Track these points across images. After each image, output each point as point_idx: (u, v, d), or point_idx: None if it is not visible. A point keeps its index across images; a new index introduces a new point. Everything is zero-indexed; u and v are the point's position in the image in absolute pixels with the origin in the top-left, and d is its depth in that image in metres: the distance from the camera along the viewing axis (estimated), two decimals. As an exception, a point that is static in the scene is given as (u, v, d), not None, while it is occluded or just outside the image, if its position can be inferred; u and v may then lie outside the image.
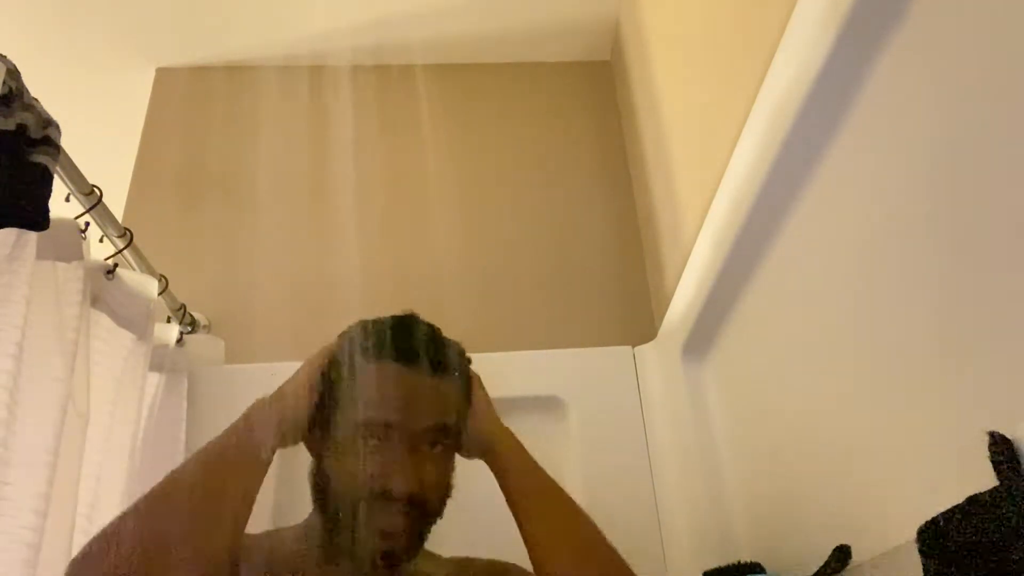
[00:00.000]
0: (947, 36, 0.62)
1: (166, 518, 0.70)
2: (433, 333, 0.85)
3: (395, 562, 0.77)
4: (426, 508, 0.78)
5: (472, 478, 0.84)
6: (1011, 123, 0.54)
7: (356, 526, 0.76)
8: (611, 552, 0.79)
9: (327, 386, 0.82)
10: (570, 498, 0.82)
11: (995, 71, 0.56)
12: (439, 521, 0.81)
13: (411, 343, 0.81)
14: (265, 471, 0.77)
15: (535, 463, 0.84)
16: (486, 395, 0.89)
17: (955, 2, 0.61)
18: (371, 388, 0.79)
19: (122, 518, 0.70)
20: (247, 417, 0.79)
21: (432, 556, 0.86)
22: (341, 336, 0.86)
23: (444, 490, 0.81)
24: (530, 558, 0.79)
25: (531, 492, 0.82)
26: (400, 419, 0.77)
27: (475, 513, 0.89)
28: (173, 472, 0.75)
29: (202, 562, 0.68)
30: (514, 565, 0.87)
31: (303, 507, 0.85)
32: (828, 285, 0.82)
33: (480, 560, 0.90)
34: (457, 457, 0.85)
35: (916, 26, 0.65)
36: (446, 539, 0.84)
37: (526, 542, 0.79)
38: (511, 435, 0.86)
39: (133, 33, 1.72)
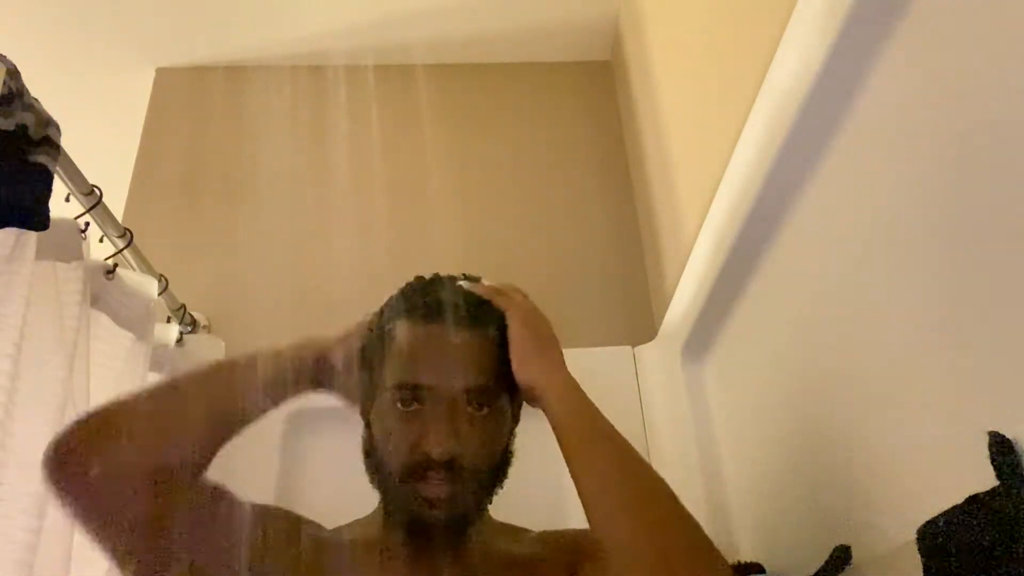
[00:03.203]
0: (947, 36, 0.61)
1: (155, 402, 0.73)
2: (464, 291, 0.80)
3: (446, 530, 0.74)
4: (470, 473, 0.73)
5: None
6: (1012, 122, 0.54)
7: (402, 495, 0.74)
8: (674, 507, 0.69)
9: (366, 351, 0.80)
10: (628, 448, 0.73)
11: (995, 70, 0.56)
12: (503, 491, 0.78)
13: (439, 301, 0.77)
14: (260, 401, 0.78)
15: (587, 411, 0.76)
16: (531, 336, 0.79)
17: (955, 2, 0.61)
18: (402, 349, 0.76)
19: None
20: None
21: (514, 531, 0.83)
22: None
23: (494, 455, 0.76)
24: (586, 516, 0.70)
25: (579, 443, 0.73)
26: (434, 381, 0.73)
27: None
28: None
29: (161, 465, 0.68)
30: None
31: (303, 507, 0.85)
32: (828, 285, 0.82)
33: (571, 531, 0.82)
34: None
35: (916, 26, 0.65)
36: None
37: (580, 498, 0.70)
38: (561, 381, 0.78)
39: (133, 33, 1.72)
